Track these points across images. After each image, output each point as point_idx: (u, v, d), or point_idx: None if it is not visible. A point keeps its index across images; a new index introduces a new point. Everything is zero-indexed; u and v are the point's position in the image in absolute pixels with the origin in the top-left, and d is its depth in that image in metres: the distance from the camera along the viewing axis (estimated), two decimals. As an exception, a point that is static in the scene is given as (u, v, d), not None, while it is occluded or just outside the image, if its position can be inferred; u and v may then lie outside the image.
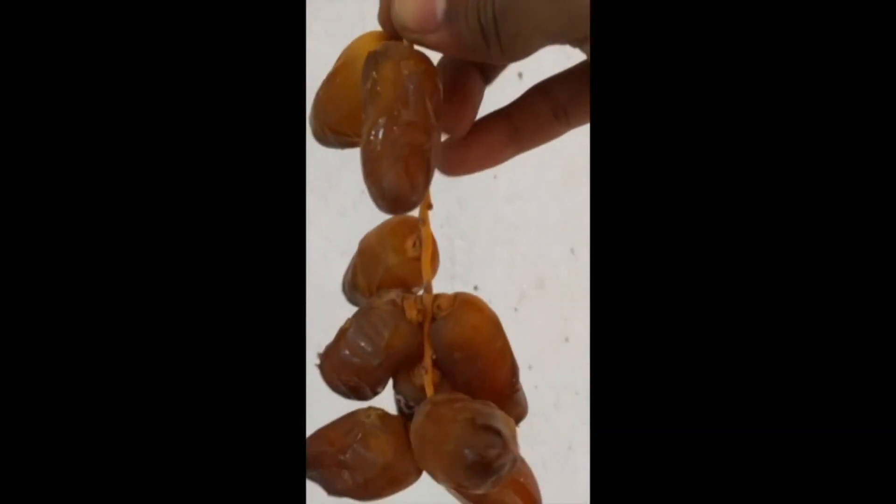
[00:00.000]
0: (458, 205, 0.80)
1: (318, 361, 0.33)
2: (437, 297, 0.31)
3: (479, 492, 0.29)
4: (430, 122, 0.28)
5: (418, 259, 0.32)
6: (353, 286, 0.35)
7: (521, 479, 0.32)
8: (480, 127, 0.35)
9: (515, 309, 0.82)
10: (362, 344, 0.32)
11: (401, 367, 0.32)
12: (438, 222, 0.80)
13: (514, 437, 0.28)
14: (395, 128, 0.28)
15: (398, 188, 0.27)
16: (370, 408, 0.32)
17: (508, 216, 0.82)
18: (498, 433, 0.27)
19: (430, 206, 0.32)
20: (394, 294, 0.32)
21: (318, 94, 0.33)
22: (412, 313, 0.31)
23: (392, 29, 0.30)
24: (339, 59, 0.32)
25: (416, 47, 0.30)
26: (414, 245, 0.32)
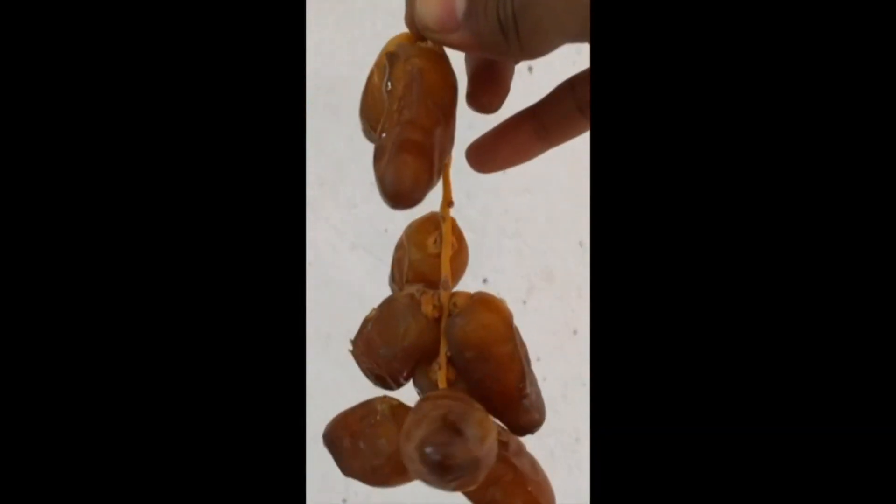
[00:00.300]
0: (466, 198, 0.80)
1: (350, 347, 0.34)
2: (454, 294, 0.32)
3: (443, 490, 0.29)
4: (433, 119, 0.29)
5: (439, 256, 0.33)
6: (392, 279, 0.35)
7: (530, 489, 0.32)
8: (509, 125, 0.36)
9: (524, 301, 0.82)
10: (380, 335, 0.32)
11: (419, 361, 0.32)
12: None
13: (481, 440, 0.28)
14: (396, 126, 0.29)
15: (396, 184, 0.28)
16: (385, 397, 0.33)
17: (517, 209, 0.82)
18: (460, 433, 0.27)
19: (450, 204, 0.32)
20: (413, 288, 0.32)
21: (363, 93, 0.33)
22: (428, 308, 0.31)
23: (417, 30, 0.30)
24: (377, 58, 0.33)
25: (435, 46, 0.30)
26: (435, 242, 0.33)
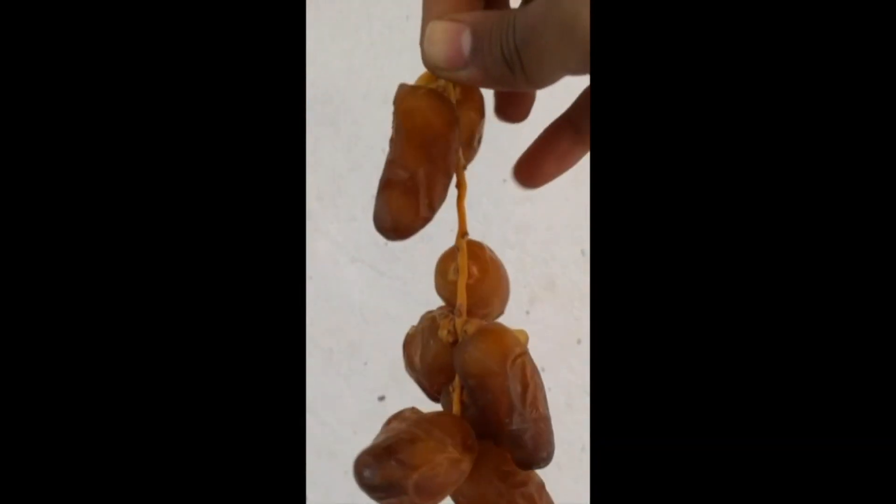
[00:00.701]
0: (468, 208, 0.79)
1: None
2: (468, 321, 0.33)
3: None
4: (416, 159, 0.31)
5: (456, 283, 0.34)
6: None
7: None
8: (547, 137, 0.38)
9: (527, 312, 0.82)
10: (415, 351, 0.35)
11: (445, 380, 0.34)
12: (448, 226, 0.80)
13: (410, 468, 0.29)
14: (385, 165, 0.31)
15: (380, 220, 0.31)
16: (413, 408, 0.34)
17: (518, 218, 0.82)
18: (390, 457, 0.29)
19: (464, 235, 0.34)
20: (437, 312, 0.34)
21: None
22: (443, 333, 0.33)
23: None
24: None
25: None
26: (454, 270, 0.34)
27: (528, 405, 0.31)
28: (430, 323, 0.34)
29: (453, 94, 0.33)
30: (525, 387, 0.31)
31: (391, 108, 0.32)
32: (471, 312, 0.34)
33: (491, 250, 0.36)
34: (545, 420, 0.32)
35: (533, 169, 0.38)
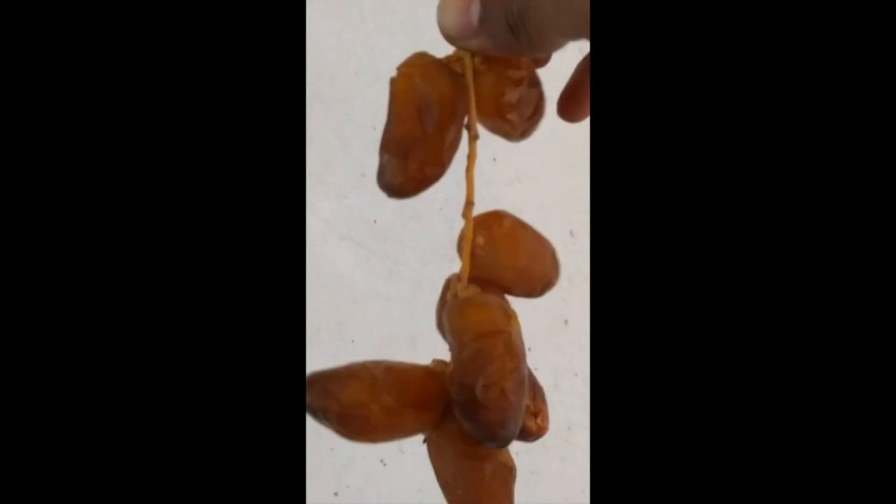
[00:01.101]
0: (457, 188, 0.79)
1: None
2: (467, 287, 0.34)
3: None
4: (405, 124, 0.32)
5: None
6: None
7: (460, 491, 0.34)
8: (582, 73, 0.38)
9: (515, 291, 0.82)
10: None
11: None
12: (438, 205, 0.80)
13: (332, 399, 0.31)
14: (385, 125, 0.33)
15: (378, 178, 0.33)
16: (435, 359, 0.35)
17: (508, 199, 0.82)
18: (321, 382, 0.32)
19: (470, 204, 0.35)
20: (453, 274, 0.35)
21: None
22: (448, 295, 0.34)
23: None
24: None
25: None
26: (463, 237, 0.35)
27: (486, 385, 0.30)
28: (446, 284, 0.35)
29: (470, 65, 0.33)
30: (486, 364, 0.30)
31: (382, 86, 0.33)
32: (484, 283, 0.34)
33: (522, 225, 0.36)
34: (509, 405, 0.30)
35: (577, 103, 0.39)
